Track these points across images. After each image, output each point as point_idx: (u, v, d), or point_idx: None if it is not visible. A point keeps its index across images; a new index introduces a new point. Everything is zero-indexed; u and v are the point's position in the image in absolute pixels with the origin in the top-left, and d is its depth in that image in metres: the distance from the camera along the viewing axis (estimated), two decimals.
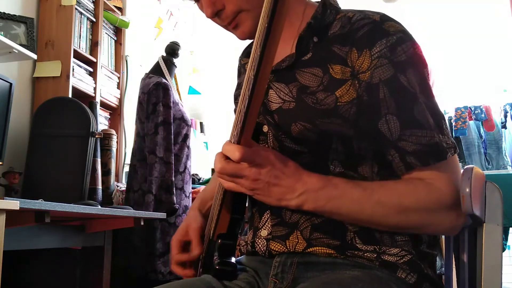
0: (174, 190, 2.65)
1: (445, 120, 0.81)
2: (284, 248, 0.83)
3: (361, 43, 0.79)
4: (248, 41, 1.05)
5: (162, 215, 2.46)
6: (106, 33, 3.03)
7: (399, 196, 0.77)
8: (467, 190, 0.74)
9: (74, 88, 2.56)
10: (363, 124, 0.80)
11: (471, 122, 4.63)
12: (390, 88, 0.77)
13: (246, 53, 1.05)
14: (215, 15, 0.86)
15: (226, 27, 0.89)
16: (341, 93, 0.79)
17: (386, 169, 0.81)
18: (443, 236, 0.99)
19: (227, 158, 0.73)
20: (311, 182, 0.77)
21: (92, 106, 2.62)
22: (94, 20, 2.84)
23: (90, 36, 2.83)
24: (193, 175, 3.39)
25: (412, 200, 0.77)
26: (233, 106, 1.05)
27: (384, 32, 0.79)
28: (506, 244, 3.68)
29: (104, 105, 2.95)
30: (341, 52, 0.81)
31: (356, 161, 0.81)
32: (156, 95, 2.65)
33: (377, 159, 0.81)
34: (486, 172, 3.13)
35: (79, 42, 2.70)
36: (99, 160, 2.53)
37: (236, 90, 1.06)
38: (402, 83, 0.77)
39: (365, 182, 0.80)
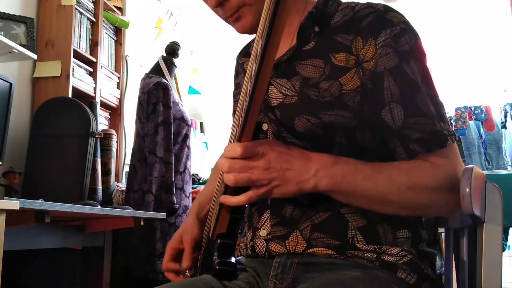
0: (174, 190, 2.65)
1: (444, 109, 0.82)
2: (284, 249, 0.83)
3: (366, 32, 0.80)
4: (246, 41, 1.05)
5: (162, 215, 2.46)
6: (106, 33, 3.03)
7: (407, 172, 0.77)
8: (467, 190, 0.74)
9: (74, 88, 2.56)
10: (366, 113, 0.80)
11: (471, 122, 4.63)
12: (394, 77, 0.78)
13: (244, 53, 1.05)
14: (219, 4, 0.86)
15: (226, 19, 0.89)
16: (345, 81, 0.80)
17: (388, 161, 0.81)
18: (443, 236, 0.99)
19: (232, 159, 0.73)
20: (322, 159, 0.76)
21: (92, 106, 2.62)
22: (94, 20, 2.84)
23: (90, 36, 2.83)
24: (193, 175, 3.39)
25: (420, 176, 0.77)
26: (234, 107, 1.04)
27: (389, 22, 0.80)
28: (506, 244, 3.67)
29: (104, 105, 2.95)
30: (345, 40, 0.81)
31: (359, 155, 0.81)
32: (156, 95, 2.65)
33: (379, 151, 0.82)
34: (486, 172, 3.12)
35: (79, 42, 2.70)
36: (99, 160, 2.53)
37: (234, 90, 1.05)
38: (406, 72, 0.78)
39: (371, 162, 0.80)
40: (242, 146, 0.72)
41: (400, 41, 0.79)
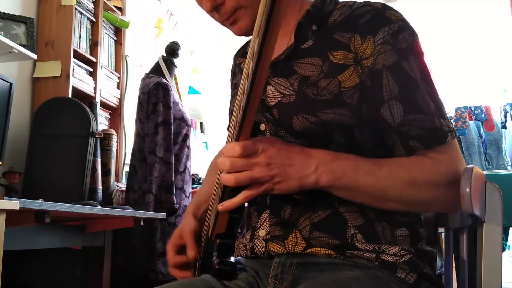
0: (174, 190, 2.65)
1: (444, 106, 0.82)
2: (283, 249, 0.83)
3: (364, 29, 0.80)
4: (243, 41, 1.05)
5: (162, 215, 2.46)
6: (106, 33, 3.03)
7: (408, 168, 0.77)
8: (467, 190, 0.74)
9: (74, 88, 2.56)
10: (365, 111, 0.80)
11: (471, 122, 4.62)
12: (393, 74, 0.78)
13: (241, 53, 1.05)
14: (214, 9, 0.86)
15: (223, 22, 0.89)
16: (344, 78, 0.80)
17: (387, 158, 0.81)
18: (443, 236, 0.99)
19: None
20: (322, 155, 0.76)
21: (92, 106, 2.62)
22: (94, 20, 2.84)
23: (90, 36, 2.83)
24: (193, 175, 3.39)
25: (421, 172, 0.77)
26: (230, 107, 1.04)
27: (387, 20, 0.80)
28: (506, 244, 3.67)
29: (104, 105, 2.95)
30: (343, 38, 0.82)
31: (357, 153, 0.81)
32: (156, 95, 2.65)
33: (378, 149, 0.82)
34: (486, 172, 3.12)
35: (79, 42, 2.70)
36: (99, 160, 2.53)
37: (232, 90, 1.05)
38: (405, 69, 0.79)
39: (372, 158, 0.79)
40: (241, 145, 0.71)
41: (399, 38, 0.79)
